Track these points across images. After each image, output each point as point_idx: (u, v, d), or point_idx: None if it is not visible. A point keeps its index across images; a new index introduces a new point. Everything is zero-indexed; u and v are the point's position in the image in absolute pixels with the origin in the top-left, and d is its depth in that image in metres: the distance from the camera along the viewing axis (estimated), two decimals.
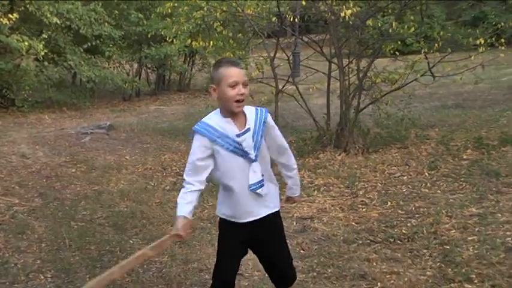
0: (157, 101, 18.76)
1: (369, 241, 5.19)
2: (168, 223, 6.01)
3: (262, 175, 3.28)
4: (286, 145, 3.49)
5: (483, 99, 12.87)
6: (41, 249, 5.34)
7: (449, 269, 4.41)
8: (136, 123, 12.96)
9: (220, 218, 3.45)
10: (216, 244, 3.51)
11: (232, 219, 3.34)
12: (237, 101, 3.14)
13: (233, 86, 3.12)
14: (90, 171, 8.36)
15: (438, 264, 4.55)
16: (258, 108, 3.35)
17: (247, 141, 3.21)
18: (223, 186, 3.34)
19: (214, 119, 3.24)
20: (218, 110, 3.28)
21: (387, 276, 4.40)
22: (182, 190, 3.23)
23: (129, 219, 6.22)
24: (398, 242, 5.11)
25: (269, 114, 3.35)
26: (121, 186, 7.55)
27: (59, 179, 7.89)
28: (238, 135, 3.20)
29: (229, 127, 3.20)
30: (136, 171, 8.38)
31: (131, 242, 5.55)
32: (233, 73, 3.15)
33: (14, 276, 4.71)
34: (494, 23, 9.09)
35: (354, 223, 5.72)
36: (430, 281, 4.27)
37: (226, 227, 3.41)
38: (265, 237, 3.42)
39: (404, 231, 5.32)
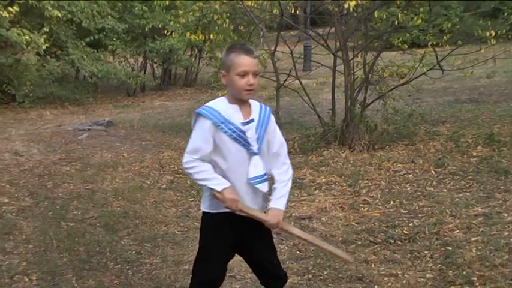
0: (162, 96, 18.59)
1: (368, 242, 5.08)
2: (161, 223, 5.88)
3: (265, 172, 3.18)
4: (284, 152, 3.30)
5: (499, 93, 12.67)
6: (28, 251, 5.16)
7: (450, 271, 4.31)
8: (138, 120, 12.82)
9: (208, 213, 3.23)
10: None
11: (223, 210, 3.12)
12: (247, 90, 3.07)
13: (242, 75, 3.05)
14: (85, 169, 8.15)
15: (439, 266, 4.45)
16: (262, 104, 3.27)
17: (251, 132, 3.11)
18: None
19: (220, 104, 3.14)
20: (224, 97, 3.19)
21: (385, 279, 4.31)
22: (192, 165, 3.08)
23: (122, 219, 6.05)
24: (399, 242, 5.00)
25: (272, 114, 3.28)
26: (116, 185, 7.36)
27: (52, 177, 7.69)
28: (243, 124, 3.10)
29: (234, 114, 3.11)
30: (133, 169, 8.17)
31: (122, 242, 5.38)
32: (244, 62, 3.05)
33: None
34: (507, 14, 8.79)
35: (354, 223, 5.59)
36: (430, 283, 4.19)
37: (216, 223, 3.21)
38: (253, 237, 3.29)
39: (405, 232, 5.20)
